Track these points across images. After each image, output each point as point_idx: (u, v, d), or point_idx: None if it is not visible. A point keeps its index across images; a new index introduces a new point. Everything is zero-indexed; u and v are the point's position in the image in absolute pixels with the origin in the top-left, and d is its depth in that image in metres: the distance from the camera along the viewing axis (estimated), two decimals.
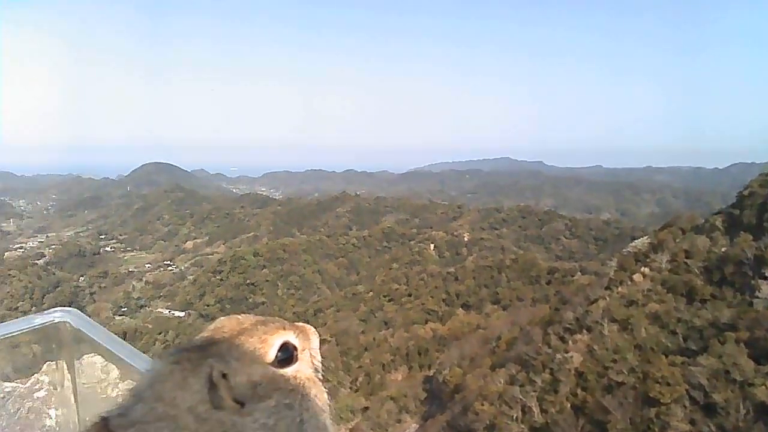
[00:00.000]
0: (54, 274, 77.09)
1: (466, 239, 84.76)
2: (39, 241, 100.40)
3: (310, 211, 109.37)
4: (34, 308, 66.58)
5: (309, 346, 1.05)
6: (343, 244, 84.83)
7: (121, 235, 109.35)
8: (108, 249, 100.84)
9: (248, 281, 71.87)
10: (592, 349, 26.13)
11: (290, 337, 0.99)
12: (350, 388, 44.34)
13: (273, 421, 0.91)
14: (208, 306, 67.84)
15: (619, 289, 30.00)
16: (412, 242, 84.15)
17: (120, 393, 1.36)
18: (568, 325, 29.72)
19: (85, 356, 1.64)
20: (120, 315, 69.95)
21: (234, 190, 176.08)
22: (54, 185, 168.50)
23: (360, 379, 45.54)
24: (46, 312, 1.67)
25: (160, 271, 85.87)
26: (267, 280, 72.73)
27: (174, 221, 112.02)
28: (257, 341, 0.95)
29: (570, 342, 27.87)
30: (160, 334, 57.64)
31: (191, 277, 78.91)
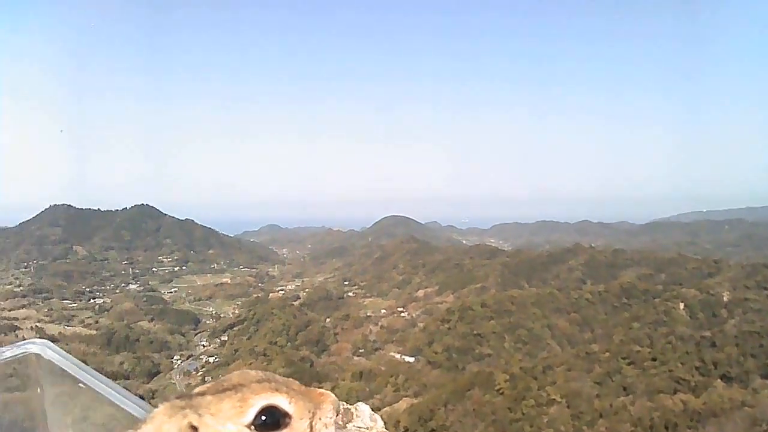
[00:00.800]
0: (306, 314, 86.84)
1: (725, 299, 72.63)
2: (296, 285, 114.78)
3: (540, 263, 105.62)
4: (289, 344, 75.76)
5: (314, 416, 0.97)
6: (576, 299, 79.56)
7: (361, 282, 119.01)
8: (350, 294, 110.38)
9: (475, 332, 71.54)
10: None
11: (279, 401, 0.93)
12: None
13: None
14: (436, 353, 69.11)
15: None
16: (656, 300, 75.08)
17: (92, 424, 1.26)
18: None
19: (56, 388, 1.57)
20: (358, 356, 75.26)
21: (464, 242, 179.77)
22: (310, 236, 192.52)
23: None
24: (17, 344, 1.60)
25: (393, 317, 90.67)
26: (494, 332, 71.52)
27: (408, 270, 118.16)
28: (237, 399, 0.91)
29: None
30: (391, 377, 60.32)
31: (421, 325, 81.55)
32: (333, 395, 1.02)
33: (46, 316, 71.22)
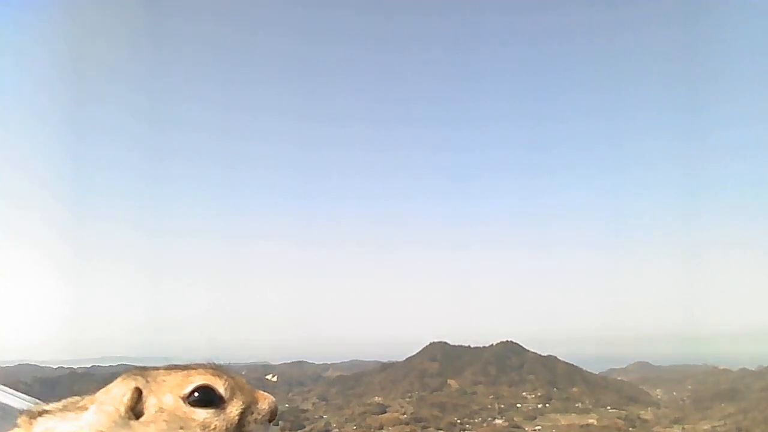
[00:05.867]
0: None
1: None
2: None
3: None
4: None
5: (248, 409, 1.11)
6: None
7: None
8: None
9: None
10: None
11: (217, 384, 1.08)
12: None
13: None
14: None
15: None
16: None
17: None
18: None
19: None
20: None
21: None
22: (690, 376, 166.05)
23: None
24: None
25: None
26: None
27: None
28: (181, 375, 1.08)
29: None
30: None
31: None
32: (273, 399, 1.15)
33: None
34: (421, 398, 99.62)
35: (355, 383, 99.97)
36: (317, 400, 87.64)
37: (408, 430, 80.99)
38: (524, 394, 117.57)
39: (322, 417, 79.26)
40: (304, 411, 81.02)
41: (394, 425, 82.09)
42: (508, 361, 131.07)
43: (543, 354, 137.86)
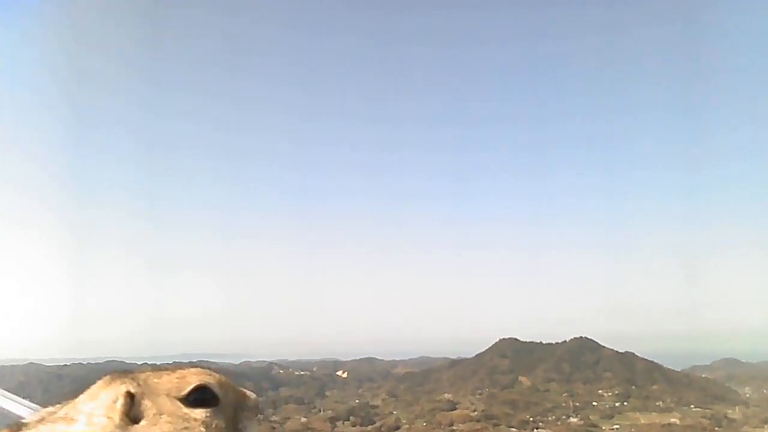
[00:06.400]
0: None
1: None
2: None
3: None
4: None
5: (239, 406, 1.12)
6: None
7: None
8: None
9: None
10: None
11: (212, 385, 1.07)
12: None
13: None
14: None
15: None
16: None
17: None
18: None
19: None
20: None
21: None
22: None
23: None
24: None
25: None
26: None
27: None
28: (176, 376, 1.06)
29: None
30: None
31: None
32: (255, 395, 1.17)
33: None
34: (491, 395, 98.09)
35: (424, 380, 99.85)
36: (387, 396, 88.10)
37: (479, 427, 79.92)
38: (600, 391, 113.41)
39: (392, 413, 79.58)
40: (375, 407, 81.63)
41: (464, 422, 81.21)
42: (582, 357, 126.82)
43: (620, 350, 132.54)
